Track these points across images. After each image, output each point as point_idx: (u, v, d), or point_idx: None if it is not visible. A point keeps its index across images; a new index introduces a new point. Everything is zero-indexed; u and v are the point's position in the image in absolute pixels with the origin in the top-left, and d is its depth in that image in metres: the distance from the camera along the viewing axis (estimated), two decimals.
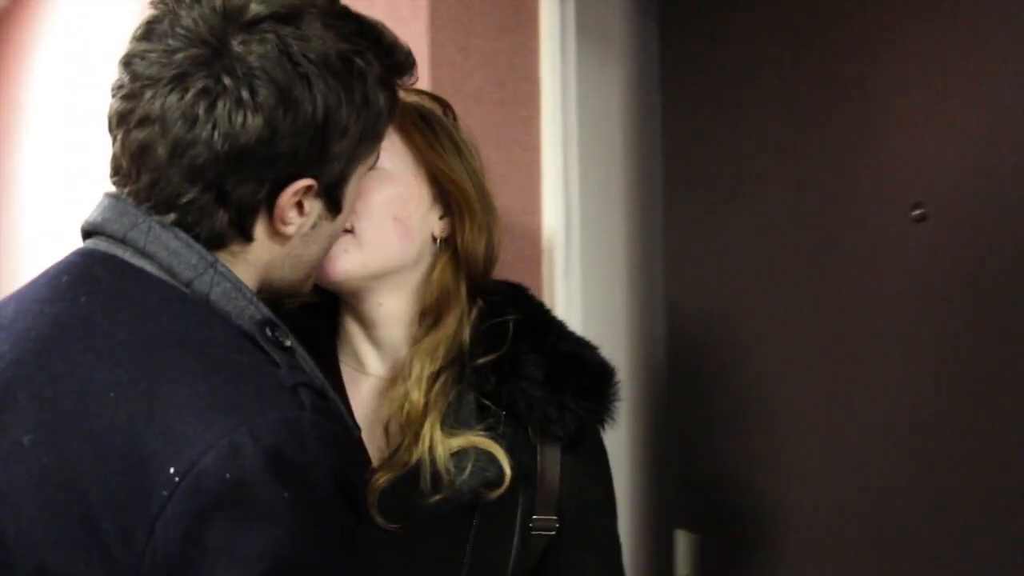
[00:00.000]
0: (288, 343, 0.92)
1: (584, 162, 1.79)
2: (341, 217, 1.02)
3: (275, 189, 0.93)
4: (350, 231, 1.15)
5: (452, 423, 1.17)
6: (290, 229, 0.96)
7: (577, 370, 1.23)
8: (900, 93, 1.44)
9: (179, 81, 0.89)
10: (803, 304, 1.59)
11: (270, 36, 0.91)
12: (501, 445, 1.17)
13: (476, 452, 1.16)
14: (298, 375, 0.88)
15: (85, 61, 2.75)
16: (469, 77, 1.69)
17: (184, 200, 0.91)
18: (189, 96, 0.89)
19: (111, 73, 0.94)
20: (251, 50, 0.90)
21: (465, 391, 1.19)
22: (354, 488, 0.88)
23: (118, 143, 0.92)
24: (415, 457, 1.15)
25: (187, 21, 0.91)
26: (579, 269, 1.78)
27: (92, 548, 0.80)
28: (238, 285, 0.92)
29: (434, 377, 1.18)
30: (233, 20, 0.91)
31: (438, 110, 1.26)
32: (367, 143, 0.99)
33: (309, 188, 0.95)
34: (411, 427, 1.16)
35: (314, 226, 0.99)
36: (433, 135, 1.22)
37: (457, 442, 1.16)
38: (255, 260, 0.96)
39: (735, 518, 1.71)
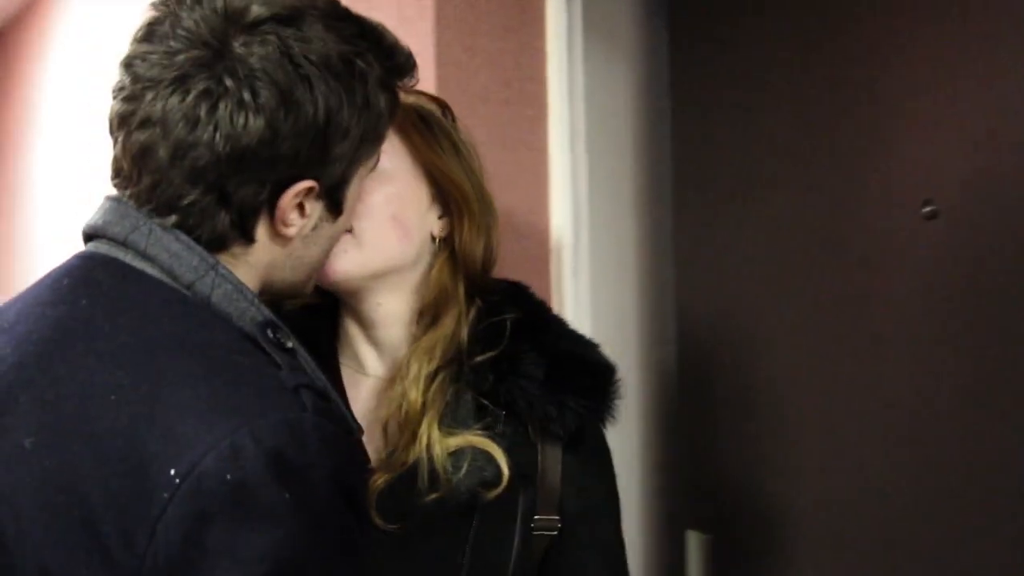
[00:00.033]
0: (290, 344, 0.92)
1: (592, 162, 1.78)
2: (342, 219, 1.02)
3: (276, 191, 0.93)
4: (349, 231, 1.14)
5: (450, 422, 1.17)
6: (291, 231, 0.96)
7: (577, 368, 1.22)
8: (909, 95, 1.43)
9: (180, 83, 0.89)
10: (813, 304, 1.58)
11: (271, 38, 0.91)
12: (499, 445, 1.16)
13: (473, 451, 1.16)
14: (299, 376, 0.88)
15: (97, 62, 2.76)
16: (475, 77, 1.69)
17: (185, 202, 0.91)
18: (190, 98, 0.89)
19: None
20: (252, 52, 0.90)
21: (463, 390, 1.19)
22: (355, 490, 0.88)
23: (119, 145, 0.92)
24: (413, 457, 1.15)
25: (188, 23, 0.91)
26: (587, 270, 1.77)
27: (93, 550, 0.80)
28: (239, 287, 0.92)
29: (432, 376, 1.18)
30: (234, 22, 0.91)
31: (437, 111, 1.26)
32: (368, 145, 0.99)
33: (310, 190, 0.94)
34: (408, 426, 1.16)
35: (315, 228, 0.99)
36: (432, 135, 1.22)
37: (455, 441, 1.16)
38: (256, 262, 0.96)
39: (746, 519, 1.70)
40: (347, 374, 1.25)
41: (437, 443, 1.15)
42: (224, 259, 0.94)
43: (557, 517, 1.21)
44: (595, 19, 1.78)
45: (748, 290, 1.69)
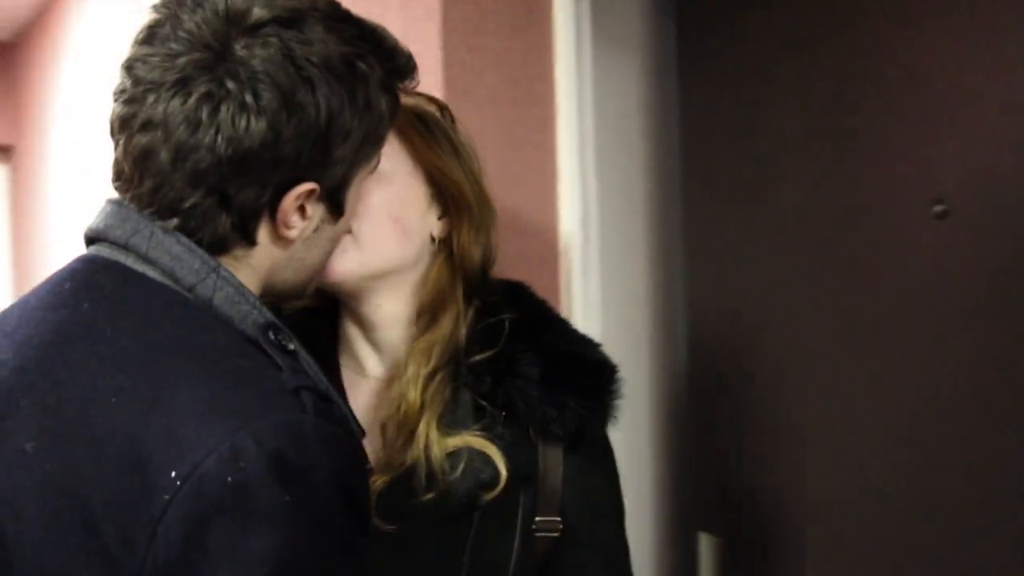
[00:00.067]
0: (292, 347, 0.92)
1: (601, 161, 1.78)
2: (343, 220, 1.02)
3: (278, 193, 0.93)
4: (348, 231, 1.14)
5: (448, 423, 1.17)
6: (292, 233, 0.95)
7: (577, 368, 1.22)
8: (919, 90, 1.42)
9: (182, 85, 0.89)
10: (824, 303, 1.57)
11: (273, 40, 0.91)
12: (497, 445, 1.16)
13: (470, 452, 1.15)
14: (300, 378, 0.88)
15: (108, 71, 2.77)
16: (482, 77, 1.68)
17: (187, 205, 0.90)
18: (192, 100, 0.89)
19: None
20: (254, 54, 0.90)
21: (461, 391, 1.19)
22: (357, 492, 0.88)
23: (120, 148, 0.92)
24: (411, 458, 1.15)
25: (189, 25, 0.91)
26: (597, 269, 1.77)
27: (93, 553, 0.80)
28: (241, 289, 0.92)
29: (430, 377, 1.18)
30: (236, 24, 0.91)
31: (436, 112, 1.26)
32: (369, 146, 0.99)
33: (311, 192, 0.94)
34: (406, 427, 1.16)
35: (316, 230, 0.99)
36: (431, 136, 1.22)
37: (453, 442, 1.15)
38: (258, 264, 0.96)
39: (758, 521, 1.69)
40: (347, 375, 1.26)
41: (435, 443, 1.15)
42: (226, 262, 0.94)
43: (559, 518, 1.20)
44: (603, 18, 1.78)
45: (758, 290, 1.68)
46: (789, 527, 1.63)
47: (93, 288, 0.90)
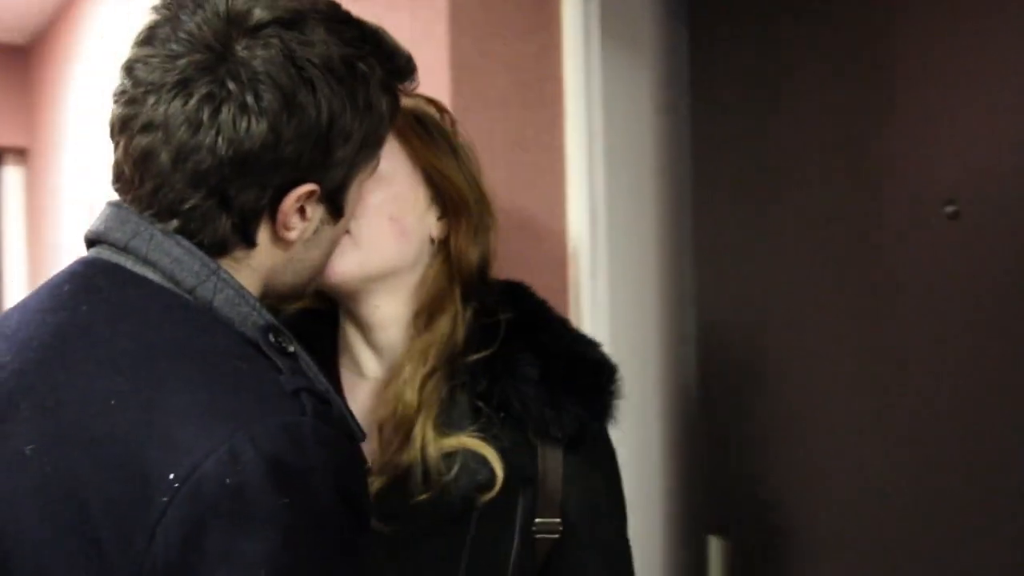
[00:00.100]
0: (292, 349, 0.92)
1: (610, 164, 1.77)
2: (342, 222, 1.02)
3: (278, 195, 0.92)
4: (347, 232, 1.14)
5: (444, 424, 1.16)
6: (293, 234, 0.95)
7: (574, 368, 1.21)
8: (930, 91, 1.42)
9: (183, 86, 0.89)
10: (835, 305, 1.56)
11: (274, 41, 0.90)
12: (494, 447, 1.15)
13: (466, 453, 1.15)
14: (300, 380, 0.87)
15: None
16: (491, 80, 1.68)
17: (187, 206, 0.90)
18: (193, 101, 0.88)
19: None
20: (255, 55, 0.90)
21: (458, 392, 1.18)
22: (356, 494, 0.87)
23: (120, 149, 0.92)
24: (408, 459, 1.15)
25: (190, 26, 0.90)
26: (605, 272, 1.76)
27: (92, 556, 0.79)
28: (241, 292, 0.92)
29: (427, 378, 1.17)
30: (237, 25, 0.91)
31: (435, 114, 1.26)
32: (369, 148, 0.99)
33: (312, 193, 0.94)
34: (403, 428, 1.16)
35: (316, 231, 0.98)
36: (430, 138, 1.22)
37: (449, 443, 1.15)
38: (258, 266, 0.96)
39: (768, 525, 1.68)
40: (346, 377, 1.25)
41: (431, 444, 1.14)
42: (226, 263, 0.93)
43: (559, 520, 1.19)
44: (613, 19, 1.77)
45: (768, 292, 1.67)
46: (799, 532, 1.62)
47: (92, 290, 0.90)
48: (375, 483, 1.14)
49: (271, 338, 0.91)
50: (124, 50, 0.94)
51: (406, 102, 1.16)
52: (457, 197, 1.22)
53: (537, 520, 1.19)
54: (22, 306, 0.93)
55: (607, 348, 1.70)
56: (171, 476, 0.78)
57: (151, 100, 0.89)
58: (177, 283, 0.90)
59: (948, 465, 1.39)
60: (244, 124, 0.89)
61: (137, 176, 0.91)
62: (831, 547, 1.57)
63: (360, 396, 1.24)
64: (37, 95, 3.86)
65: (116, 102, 0.92)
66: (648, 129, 1.83)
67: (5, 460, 0.83)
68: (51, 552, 0.81)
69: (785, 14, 1.64)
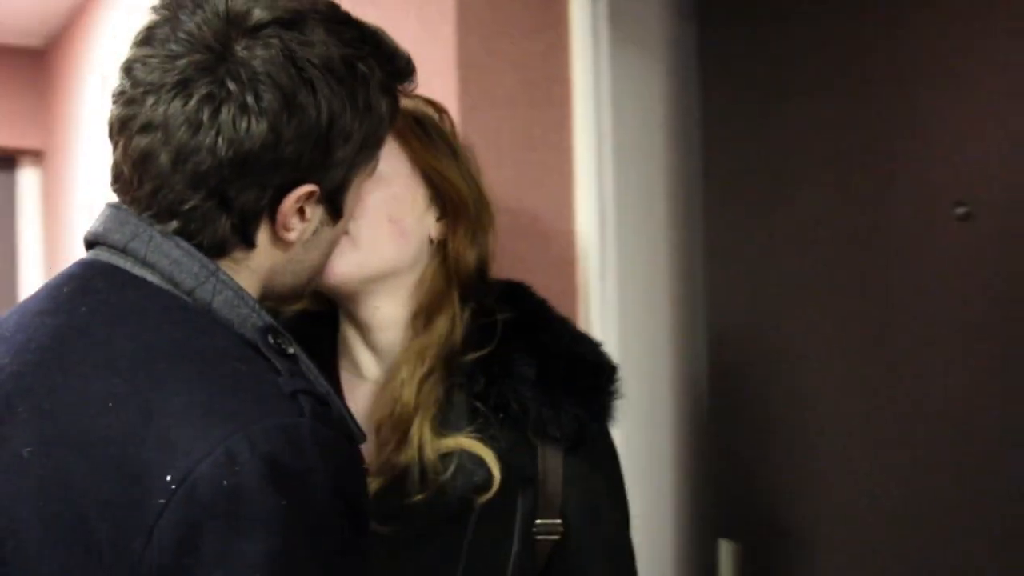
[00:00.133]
0: (291, 350, 0.91)
1: (619, 164, 1.76)
2: (341, 223, 1.02)
3: (278, 195, 0.92)
4: (346, 233, 1.14)
5: (442, 425, 1.16)
6: (292, 235, 0.95)
7: (573, 368, 1.20)
8: (942, 91, 1.41)
9: (182, 87, 0.89)
10: (846, 307, 1.55)
11: (274, 41, 0.90)
12: (491, 447, 1.15)
13: (462, 454, 1.14)
14: (298, 382, 0.87)
15: None
16: (499, 80, 1.68)
17: (186, 207, 0.90)
18: (193, 102, 0.88)
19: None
20: (255, 55, 0.89)
21: (455, 392, 1.18)
22: (355, 495, 0.87)
23: (119, 150, 0.92)
24: (405, 459, 1.14)
25: (189, 26, 0.90)
26: (614, 273, 1.75)
27: (90, 558, 0.79)
28: (240, 293, 0.92)
29: (424, 379, 1.17)
30: (236, 25, 0.90)
31: (434, 115, 1.26)
32: (369, 149, 0.98)
33: (311, 194, 0.94)
34: (400, 428, 1.15)
35: (315, 232, 0.98)
36: (429, 139, 1.22)
37: (446, 443, 1.15)
38: (258, 267, 0.95)
39: (778, 528, 1.67)
40: (346, 379, 1.25)
41: (428, 444, 1.14)
42: (225, 264, 0.93)
43: (559, 521, 1.19)
44: (621, 19, 1.76)
45: (779, 293, 1.66)
46: (809, 536, 1.60)
47: (91, 292, 0.90)
48: (373, 484, 1.13)
49: (270, 339, 0.90)
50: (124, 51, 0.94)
51: (405, 103, 1.16)
52: (456, 198, 1.22)
53: (538, 521, 1.18)
54: (21, 308, 0.93)
55: (616, 350, 1.71)
56: (168, 478, 0.78)
57: (150, 100, 0.89)
58: (176, 285, 0.90)
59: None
60: (244, 124, 0.88)
61: (136, 177, 0.91)
62: (843, 551, 1.56)
63: (360, 398, 1.24)
64: (53, 98, 3.88)
65: (115, 102, 0.92)
66: (657, 128, 1.82)
67: (3, 463, 0.83)
68: (49, 554, 0.81)
69: (795, 13, 1.62)
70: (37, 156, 4.02)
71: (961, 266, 1.38)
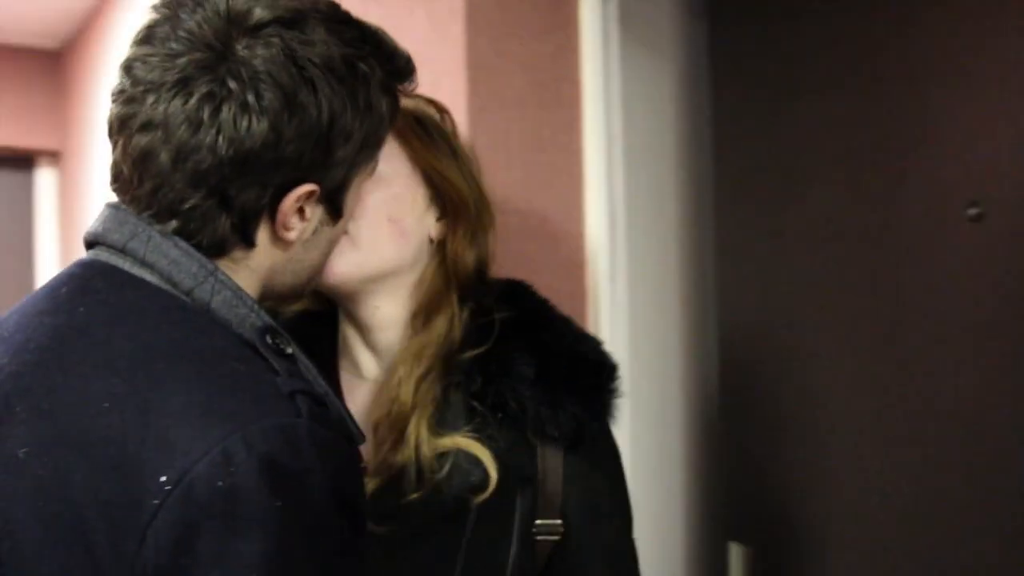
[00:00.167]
0: (289, 351, 0.91)
1: (629, 165, 1.75)
2: (341, 223, 1.01)
3: (278, 194, 0.92)
4: (345, 233, 1.13)
5: (439, 424, 1.15)
6: (292, 235, 0.95)
7: (575, 367, 1.19)
8: (954, 91, 1.40)
9: (183, 85, 0.88)
10: (857, 306, 1.54)
11: (275, 40, 0.90)
12: (488, 447, 1.14)
13: (459, 454, 1.14)
14: (296, 382, 0.86)
15: None
16: (508, 80, 1.67)
17: (186, 206, 0.90)
18: (193, 100, 0.88)
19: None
20: (256, 54, 0.89)
21: (452, 392, 1.17)
22: (352, 496, 0.86)
23: (119, 149, 0.92)
24: (403, 459, 1.14)
25: (190, 24, 0.90)
26: (624, 274, 1.74)
27: (87, 559, 0.79)
28: (238, 293, 0.91)
29: (422, 378, 1.17)
30: (237, 24, 0.90)
31: (435, 115, 1.26)
32: (369, 148, 0.98)
33: (311, 193, 0.93)
34: (397, 427, 1.15)
35: (315, 232, 0.98)
36: (429, 139, 1.22)
37: (443, 443, 1.14)
38: (257, 266, 0.95)
39: (789, 531, 1.65)
40: (345, 379, 1.25)
41: (425, 443, 1.14)
42: (224, 264, 0.93)
43: (560, 521, 1.18)
44: (631, 19, 1.76)
45: (790, 293, 1.65)
46: (820, 539, 1.59)
47: (89, 292, 0.89)
48: (370, 483, 1.13)
49: (268, 340, 0.90)
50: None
51: (406, 103, 1.15)
52: (456, 198, 1.21)
53: (538, 521, 1.18)
54: (20, 308, 0.93)
55: (626, 351, 1.70)
56: (163, 479, 0.78)
57: (150, 99, 0.89)
58: (175, 285, 0.90)
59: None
60: (245, 123, 0.88)
61: (136, 176, 0.90)
62: (854, 549, 1.55)
63: (359, 398, 1.23)
64: (69, 99, 3.90)
65: (115, 101, 0.92)
66: (668, 129, 1.81)
67: (1, 463, 0.83)
68: (49, 554, 0.81)
69: (806, 12, 1.62)
70: (54, 156, 4.04)
71: (972, 265, 1.36)
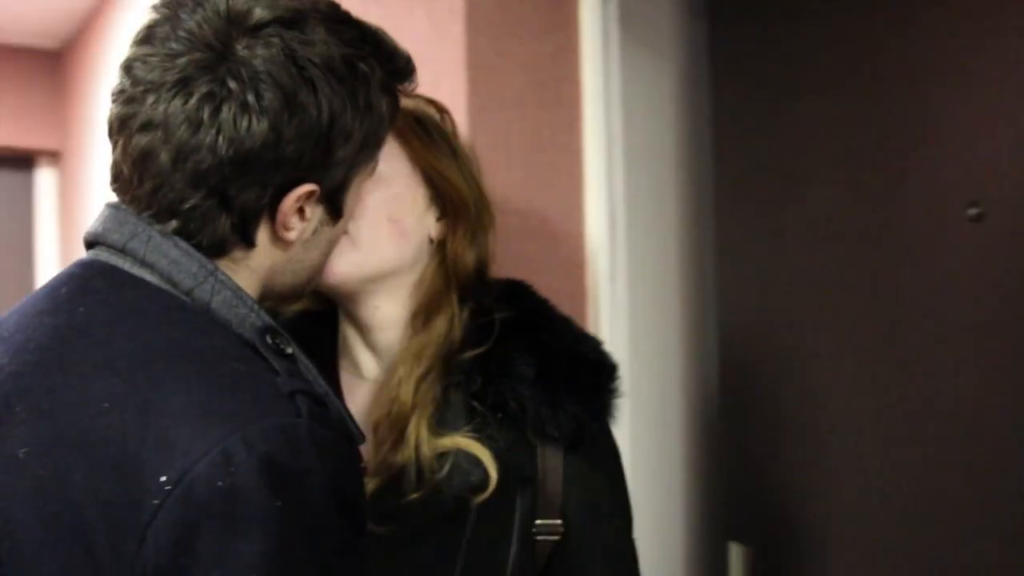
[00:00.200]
0: (289, 351, 0.91)
1: (629, 165, 1.75)
2: (341, 223, 1.01)
3: (278, 194, 0.92)
4: (345, 233, 1.13)
5: (439, 424, 1.15)
6: (292, 235, 0.95)
7: (576, 367, 1.19)
8: (954, 91, 1.40)
9: (183, 85, 0.88)
10: (857, 306, 1.54)
11: (275, 40, 0.90)
12: (488, 447, 1.14)
13: (459, 454, 1.14)
14: (296, 382, 0.86)
15: None
16: (508, 80, 1.67)
17: (186, 206, 0.90)
18: (193, 100, 0.88)
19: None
20: (256, 54, 0.89)
21: (452, 392, 1.17)
22: (353, 496, 0.86)
23: (119, 149, 0.92)
24: (403, 459, 1.14)
25: (190, 24, 0.90)
26: (625, 274, 1.74)
27: (87, 559, 0.79)
28: (238, 293, 0.91)
29: (422, 378, 1.17)
30: (237, 24, 0.90)
31: (435, 115, 1.26)
32: (369, 148, 0.98)
33: (311, 193, 0.93)
34: (397, 427, 1.15)
35: (315, 232, 0.98)
36: (430, 139, 1.22)
37: (443, 443, 1.14)
38: (257, 266, 0.95)
39: (789, 531, 1.65)
40: (345, 379, 1.25)
41: (425, 443, 1.14)
42: (224, 264, 0.93)
43: (560, 521, 1.18)
44: (631, 19, 1.76)
45: (790, 293, 1.65)
46: (820, 539, 1.59)
47: (89, 292, 0.89)
48: (370, 483, 1.13)
49: (268, 340, 0.90)
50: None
51: (406, 103, 1.15)
52: (456, 198, 1.21)
53: (538, 522, 1.18)
54: (20, 308, 0.93)
55: (626, 351, 1.70)
56: (163, 479, 0.78)
57: (150, 99, 0.89)
58: (175, 285, 0.90)
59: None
60: (245, 123, 0.88)
61: (136, 176, 0.90)
62: (854, 549, 1.55)
63: (359, 398, 1.23)
64: (69, 99, 3.90)
65: (114, 101, 0.92)
66: (668, 129, 1.81)
67: (1, 463, 0.83)
68: (49, 554, 0.81)
69: (806, 12, 1.62)
70: (54, 156, 4.04)
71: (972, 265, 1.36)
